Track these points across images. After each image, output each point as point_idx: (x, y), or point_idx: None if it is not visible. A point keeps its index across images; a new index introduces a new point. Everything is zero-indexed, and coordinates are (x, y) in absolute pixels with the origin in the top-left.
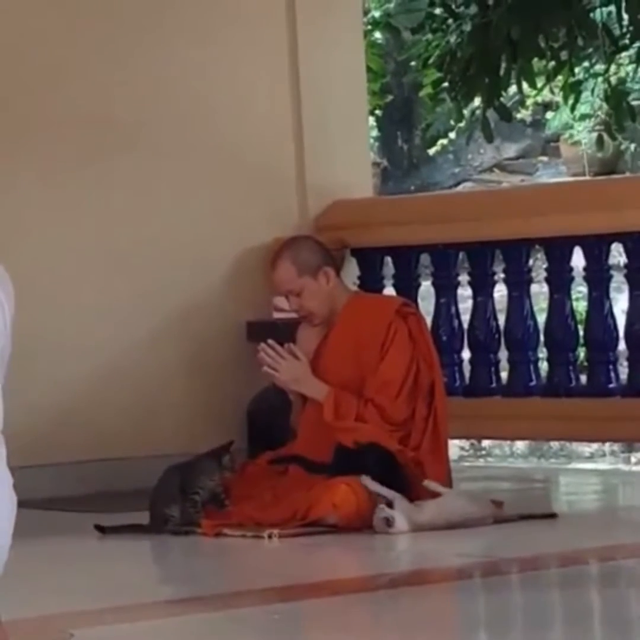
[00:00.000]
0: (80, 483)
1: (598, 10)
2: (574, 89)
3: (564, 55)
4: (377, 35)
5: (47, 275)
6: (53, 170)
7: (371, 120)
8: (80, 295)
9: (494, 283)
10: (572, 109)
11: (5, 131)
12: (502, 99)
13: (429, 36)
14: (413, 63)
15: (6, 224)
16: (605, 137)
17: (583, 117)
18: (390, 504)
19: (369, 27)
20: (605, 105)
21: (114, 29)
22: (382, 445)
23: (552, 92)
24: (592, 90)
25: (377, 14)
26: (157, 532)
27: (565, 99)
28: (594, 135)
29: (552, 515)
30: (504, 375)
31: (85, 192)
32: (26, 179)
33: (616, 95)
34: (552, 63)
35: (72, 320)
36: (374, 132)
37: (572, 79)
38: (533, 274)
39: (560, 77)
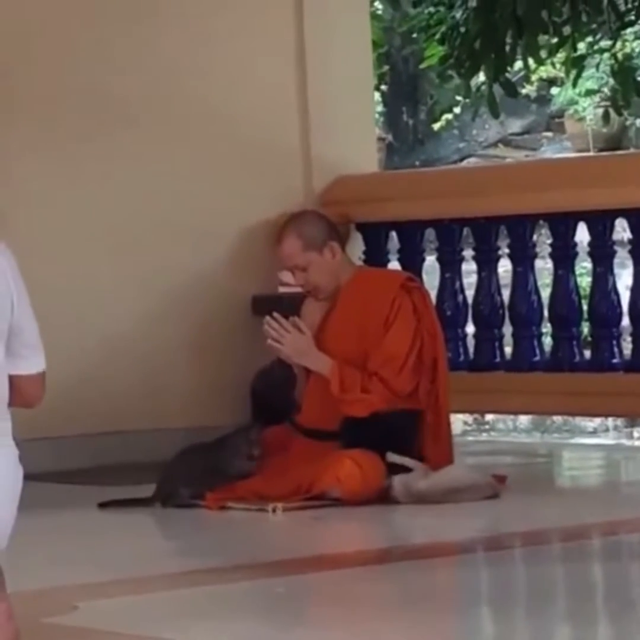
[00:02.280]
0: (85, 456)
1: None
2: (576, 64)
3: (567, 30)
4: (378, 5)
5: (52, 252)
6: (55, 148)
7: (376, 95)
8: (84, 271)
9: (498, 258)
10: (575, 84)
11: (5, 108)
12: (507, 74)
13: (431, 9)
14: (415, 35)
15: (9, 201)
16: (611, 112)
17: (588, 92)
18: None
19: None
20: (610, 81)
21: (122, 8)
22: (406, 408)
23: (554, 66)
24: (597, 66)
25: None
26: (162, 505)
27: (568, 73)
28: (600, 111)
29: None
30: (508, 350)
31: (90, 169)
32: (30, 157)
33: (623, 71)
34: (556, 39)
35: (77, 295)
36: (379, 108)
37: (574, 54)
38: (537, 250)
39: (563, 53)
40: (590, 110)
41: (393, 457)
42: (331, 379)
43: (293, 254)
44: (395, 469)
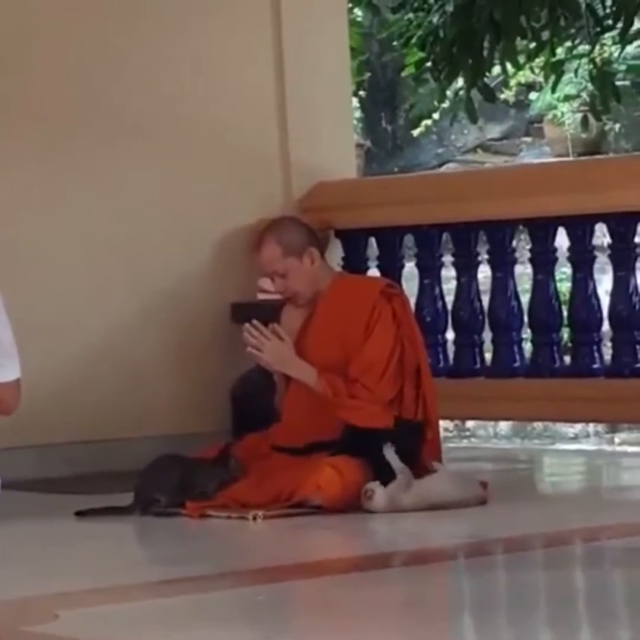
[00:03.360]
0: (65, 464)
1: None
2: (555, 69)
3: (545, 35)
4: (358, 12)
5: (33, 259)
6: (39, 155)
7: (355, 102)
8: (66, 278)
9: (477, 264)
10: (553, 89)
11: (4, 116)
12: (485, 79)
13: (410, 15)
14: (395, 43)
15: None
16: (590, 117)
17: (567, 97)
18: (390, 478)
19: (350, 5)
20: (589, 86)
21: (100, 15)
22: (412, 420)
23: (533, 71)
24: (576, 71)
25: None
26: (140, 514)
27: (546, 78)
28: (579, 116)
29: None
30: (488, 356)
31: (70, 177)
32: (13, 164)
33: (601, 76)
34: (534, 43)
35: (58, 303)
36: (358, 113)
37: (553, 59)
38: (517, 255)
39: (542, 57)
40: (569, 115)
41: (388, 453)
42: (321, 385)
43: (272, 260)
44: (382, 471)
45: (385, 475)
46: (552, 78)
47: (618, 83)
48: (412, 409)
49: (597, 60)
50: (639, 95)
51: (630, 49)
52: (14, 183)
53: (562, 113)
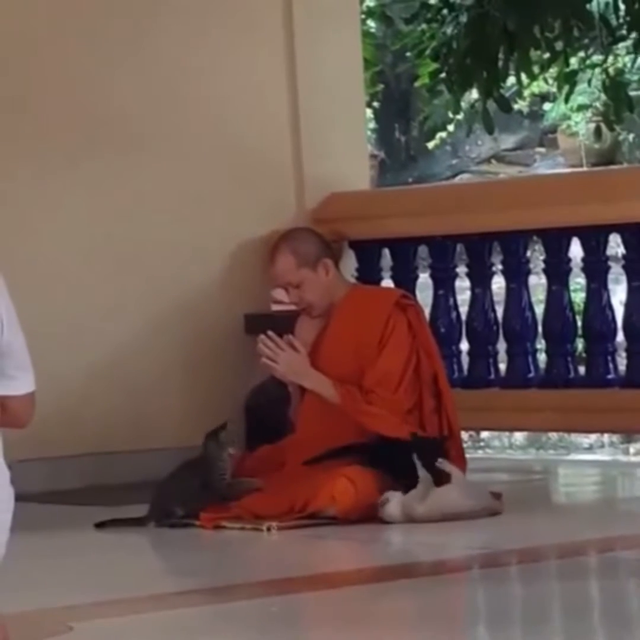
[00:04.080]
0: (77, 476)
1: (595, 1)
2: (568, 80)
3: (559, 45)
4: (371, 24)
5: (44, 271)
6: (47, 168)
7: (368, 113)
8: (77, 290)
9: (492, 274)
10: (567, 99)
11: (6, 128)
12: (500, 90)
13: (424, 26)
14: (408, 54)
15: (1, 221)
16: (603, 128)
17: (580, 108)
18: (413, 484)
19: (363, 16)
20: (602, 96)
21: (107, 23)
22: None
23: (546, 82)
24: (589, 81)
25: (371, 3)
26: (156, 525)
27: (560, 89)
28: (592, 126)
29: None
30: (502, 366)
31: (81, 189)
32: (21, 177)
33: (615, 86)
34: (548, 54)
35: (70, 315)
36: (371, 124)
37: (566, 70)
38: (531, 266)
39: (555, 68)
40: (582, 125)
41: (444, 465)
42: (340, 394)
43: (286, 271)
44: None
45: (409, 479)
46: (566, 88)
47: (632, 93)
48: (434, 419)
49: (610, 70)
50: None
51: None
52: (21, 194)
53: (576, 123)
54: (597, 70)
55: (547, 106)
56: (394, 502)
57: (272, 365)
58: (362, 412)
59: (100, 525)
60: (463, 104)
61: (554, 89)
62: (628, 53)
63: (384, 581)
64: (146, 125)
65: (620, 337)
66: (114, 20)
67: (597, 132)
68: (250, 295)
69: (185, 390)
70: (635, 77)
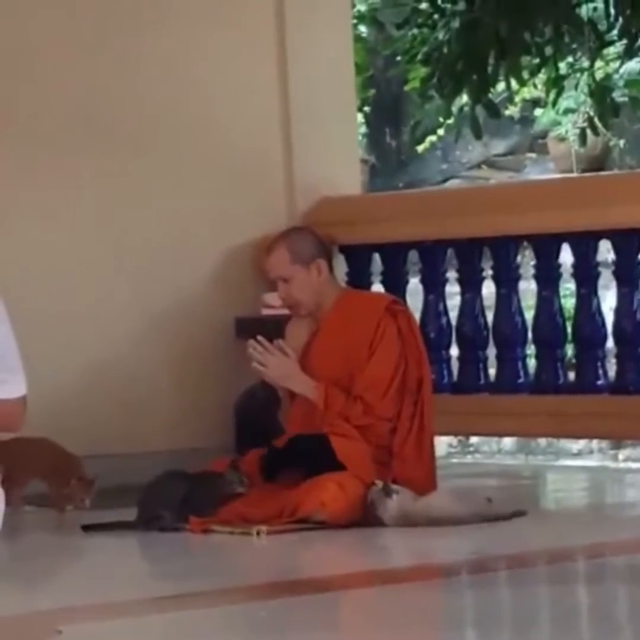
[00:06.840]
0: None
1: (584, 6)
2: (556, 84)
3: (548, 51)
4: (362, 28)
5: (34, 275)
6: (40, 169)
7: (359, 117)
8: (67, 293)
9: (482, 280)
10: (554, 103)
11: (3, 131)
12: (490, 95)
13: (415, 31)
14: (399, 58)
15: None
16: (589, 132)
17: (566, 111)
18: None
19: (354, 21)
20: (589, 101)
21: (101, 23)
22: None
23: (535, 87)
24: (576, 86)
25: (362, 7)
26: (144, 529)
27: (548, 93)
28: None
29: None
30: (492, 372)
31: (72, 192)
32: (12, 178)
33: (600, 91)
34: (537, 59)
35: (62, 318)
36: (362, 129)
37: (555, 74)
38: (521, 271)
39: (544, 72)
40: (571, 130)
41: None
42: (318, 395)
43: (279, 265)
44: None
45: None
46: (553, 93)
47: (618, 99)
48: (408, 425)
49: (598, 74)
50: (637, 110)
51: (631, 64)
52: (15, 200)
53: (566, 131)
54: (585, 74)
55: (538, 112)
56: (393, 503)
57: (262, 369)
58: (327, 421)
59: (87, 528)
60: (454, 109)
61: (544, 94)
62: (617, 58)
63: (373, 586)
64: (138, 129)
65: (610, 343)
66: (108, 24)
67: (582, 137)
68: (241, 298)
69: (176, 392)
70: (622, 83)
